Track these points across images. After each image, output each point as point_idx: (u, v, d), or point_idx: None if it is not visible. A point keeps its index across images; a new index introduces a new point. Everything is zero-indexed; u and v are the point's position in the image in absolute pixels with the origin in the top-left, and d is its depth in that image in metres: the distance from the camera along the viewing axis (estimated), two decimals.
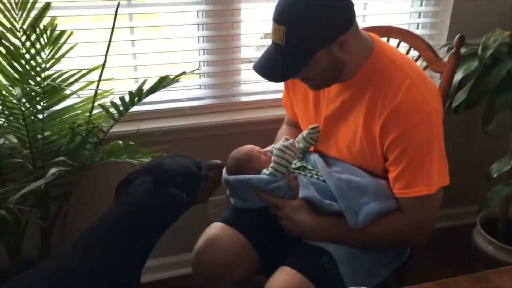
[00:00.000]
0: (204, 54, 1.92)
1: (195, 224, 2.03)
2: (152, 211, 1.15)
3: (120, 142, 1.41)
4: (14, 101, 1.43)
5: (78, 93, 1.63)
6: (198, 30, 1.89)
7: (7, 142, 1.54)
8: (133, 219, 1.13)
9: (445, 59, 1.53)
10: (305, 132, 1.41)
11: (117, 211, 1.16)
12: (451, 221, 2.41)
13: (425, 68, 1.58)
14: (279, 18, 1.14)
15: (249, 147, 1.42)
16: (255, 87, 2.02)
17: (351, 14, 1.17)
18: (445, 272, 1.94)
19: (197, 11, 1.84)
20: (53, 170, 1.30)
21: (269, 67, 1.21)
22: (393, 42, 1.64)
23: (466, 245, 2.14)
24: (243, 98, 2.01)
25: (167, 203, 1.16)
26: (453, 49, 1.49)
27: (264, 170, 1.35)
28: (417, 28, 2.13)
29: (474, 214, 2.19)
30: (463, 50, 1.50)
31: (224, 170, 1.42)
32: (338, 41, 1.15)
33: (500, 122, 1.80)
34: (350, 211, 1.24)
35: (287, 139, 1.34)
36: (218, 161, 1.35)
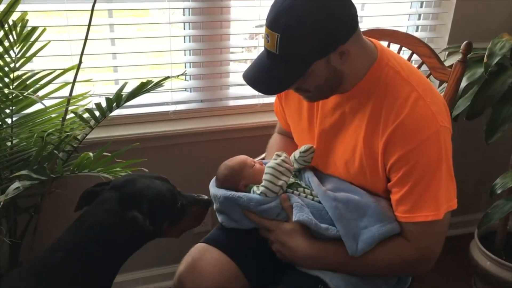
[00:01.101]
0: (190, 54, 1.79)
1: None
2: (111, 236, 1.06)
3: (91, 154, 1.28)
4: None
5: (52, 95, 1.51)
6: (184, 29, 1.77)
7: None
8: (89, 248, 1.04)
9: (446, 64, 1.43)
10: (297, 153, 1.28)
11: (73, 237, 1.07)
12: (449, 231, 2.32)
13: (428, 76, 1.47)
14: (273, 23, 1.02)
15: (242, 156, 1.32)
16: (245, 90, 1.90)
17: (354, 21, 1.05)
18: (442, 282, 1.90)
19: (183, 8, 1.71)
20: (16, 184, 1.17)
21: (260, 78, 1.09)
22: (394, 47, 1.53)
23: (463, 256, 2.07)
24: (232, 102, 1.89)
25: (129, 228, 1.05)
26: (460, 57, 1.38)
27: (254, 188, 1.23)
28: (417, 30, 2.03)
29: (471, 223, 2.12)
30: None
31: (213, 183, 1.31)
32: (338, 51, 1.03)
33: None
34: (349, 236, 1.12)
35: (278, 156, 1.23)
36: (206, 197, 1.23)
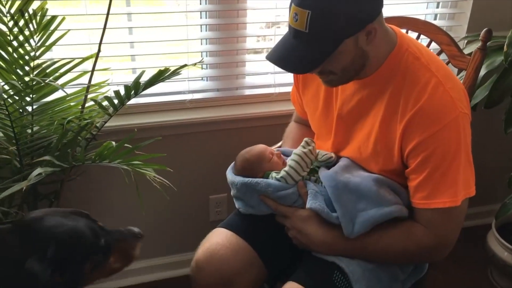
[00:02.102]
0: (207, 43, 1.80)
1: (195, 223, 1.96)
2: None
3: (113, 143, 1.29)
4: None
5: (71, 84, 1.53)
6: (201, 18, 1.77)
7: None
8: None
9: (465, 52, 1.41)
10: (320, 155, 1.26)
11: None
12: (466, 221, 2.30)
13: (447, 64, 1.45)
14: (302, 0, 1.00)
15: (261, 147, 1.31)
16: (261, 79, 1.90)
17: (379, 0, 1.05)
18: (458, 274, 1.89)
19: None
20: (38, 170, 1.19)
21: (288, 57, 1.06)
22: (412, 35, 1.51)
23: (480, 246, 2.06)
24: (248, 92, 1.89)
25: (26, 281, 0.84)
26: (479, 44, 1.37)
27: (273, 174, 1.23)
28: (435, 19, 2.00)
29: (489, 214, 2.09)
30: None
31: (230, 169, 1.32)
32: (366, 29, 1.03)
33: None
34: (346, 217, 1.13)
35: (308, 144, 1.23)
36: (136, 230, 1.04)
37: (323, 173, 1.20)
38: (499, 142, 2.12)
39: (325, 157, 1.25)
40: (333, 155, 1.26)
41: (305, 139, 1.25)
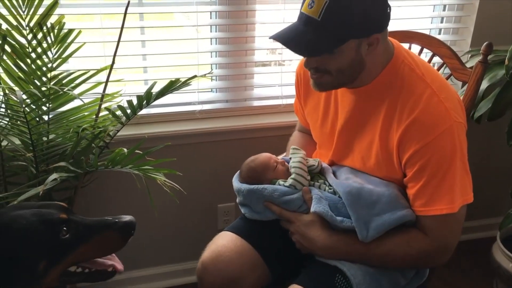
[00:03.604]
0: (216, 56, 1.86)
1: (203, 231, 1.99)
2: None
3: (125, 150, 1.34)
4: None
5: (85, 94, 1.59)
6: (211, 32, 1.83)
7: (10, 144, 1.49)
8: None
9: (468, 65, 1.45)
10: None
11: None
12: (471, 234, 2.33)
13: (449, 77, 1.50)
14: None
15: (266, 155, 1.35)
16: (269, 91, 1.95)
17: (388, 16, 1.11)
18: (463, 285, 1.91)
19: (210, 12, 1.78)
20: (54, 175, 1.24)
21: (294, 38, 1.10)
22: (415, 48, 1.56)
23: (485, 259, 2.07)
24: (256, 103, 1.94)
25: None
26: (480, 57, 1.41)
27: (280, 182, 1.28)
28: (439, 33, 2.04)
29: (494, 227, 2.11)
30: (489, 57, 1.42)
31: (236, 178, 1.36)
32: (370, 39, 1.08)
33: None
34: (360, 222, 1.16)
35: (299, 150, 1.29)
36: (127, 218, 0.96)
37: (335, 181, 1.24)
38: (503, 155, 2.14)
39: (309, 163, 1.30)
40: (316, 163, 1.30)
41: (292, 147, 1.29)
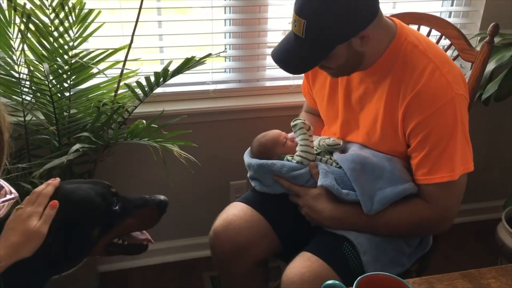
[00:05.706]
0: (230, 37, 1.91)
1: (216, 207, 2.05)
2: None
3: (144, 121, 1.41)
4: (42, 77, 1.45)
5: (104, 72, 1.65)
6: (225, 13, 1.88)
7: (34, 118, 1.56)
8: None
9: (478, 49, 1.48)
10: (322, 140, 1.37)
11: None
12: (476, 216, 2.37)
13: (456, 57, 1.53)
14: (300, 10, 1.12)
15: (276, 132, 1.41)
16: (280, 72, 1.97)
17: (373, 9, 1.14)
18: (468, 264, 1.96)
19: None
20: (77, 146, 1.31)
21: (287, 58, 1.20)
22: (424, 29, 1.60)
23: (490, 239, 2.11)
24: (268, 83, 1.99)
25: None
26: (487, 38, 1.44)
27: (288, 157, 1.34)
28: (449, 16, 2.07)
29: (499, 209, 2.14)
30: (497, 40, 1.45)
31: (247, 153, 1.42)
32: (359, 36, 1.13)
33: None
34: (365, 196, 1.22)
35: (302, 126, 1.34)
36: (162, 197, 1.05)
37: (340, 157, 1.30)
38: (509, 135, 2.17)
39: (333, 142, 1.35)
40: (341, 142, 1.35)
41: (291, 123, 1.36)
